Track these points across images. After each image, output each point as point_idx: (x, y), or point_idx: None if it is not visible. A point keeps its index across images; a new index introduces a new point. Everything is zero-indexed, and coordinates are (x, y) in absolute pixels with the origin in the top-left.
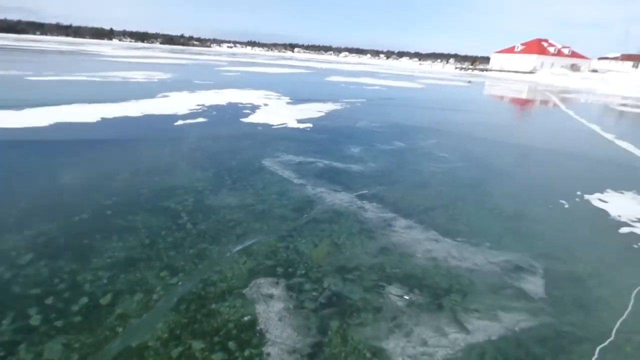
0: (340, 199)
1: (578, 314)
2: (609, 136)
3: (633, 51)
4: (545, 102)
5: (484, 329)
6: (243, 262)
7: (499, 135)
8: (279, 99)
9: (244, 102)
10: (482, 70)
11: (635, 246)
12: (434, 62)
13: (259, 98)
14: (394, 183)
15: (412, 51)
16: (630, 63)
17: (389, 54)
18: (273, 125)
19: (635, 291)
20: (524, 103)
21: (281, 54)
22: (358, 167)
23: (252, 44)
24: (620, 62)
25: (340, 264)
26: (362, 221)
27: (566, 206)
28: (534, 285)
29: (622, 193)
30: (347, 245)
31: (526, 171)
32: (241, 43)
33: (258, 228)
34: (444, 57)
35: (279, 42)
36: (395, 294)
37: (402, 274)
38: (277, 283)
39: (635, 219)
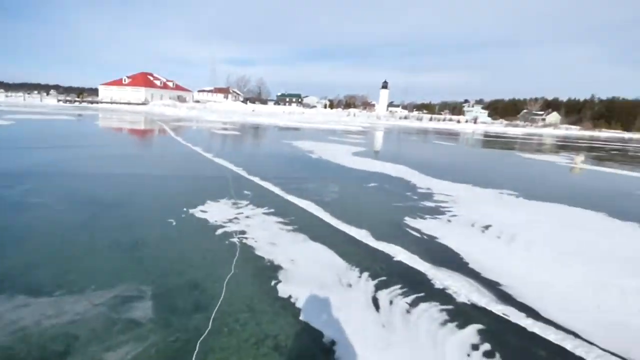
0: None
1: (187, 316)
2: (209, 155)
3: (221, 85)
4: (158, 131)
5: None
6: None
7: (115, 167)
8: None
9: None
10: (92, 102)
11: (227, 242)
12: (29, 94)
13: None
14: None
15: None
16: (222, 95)
17: None
18: None
19: (227, 279)
20: (139, 133)
21: None
22: None
23: None
24: (215, 94)
25: None
26: None
27: (174, 224)
28: (143, 310)
29: (218, 201)
30: None
31: (141, 198)
32: None
33: None
34: (42, 88)
35: None
36: None
37: None
38: None
39: (227, 220)
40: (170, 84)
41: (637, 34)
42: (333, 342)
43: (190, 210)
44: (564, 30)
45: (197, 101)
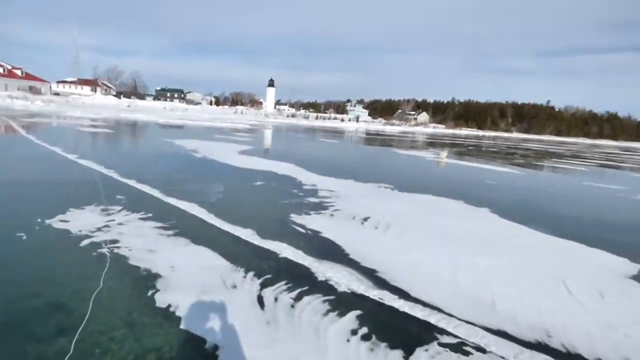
0: None
1: (46, 342)
2: (73, 157)
3: (87, 76)
4: (3, 128)
5: None
6: None
7: None
8: None
9: None
10: None
11: (95, 253)
12: None
13: None
14: None
15: None
16: (89, 87)
17: None
18: None
19: (94, 294)
20: None
21: None
22: None
23: None
24: (80, 87)
25: None
26: None
27: (25, 238)
28: None
29: (83, 209)
30: None
31: None
32: None
33: None
34: None
35: None
36: None
37: None
38: None
39: (94, 229)
40: (18, 72)
41: (484, 46)
42: (216, 347)
43: (47, 221)
44: (429, 40)
45: (57, 94)
